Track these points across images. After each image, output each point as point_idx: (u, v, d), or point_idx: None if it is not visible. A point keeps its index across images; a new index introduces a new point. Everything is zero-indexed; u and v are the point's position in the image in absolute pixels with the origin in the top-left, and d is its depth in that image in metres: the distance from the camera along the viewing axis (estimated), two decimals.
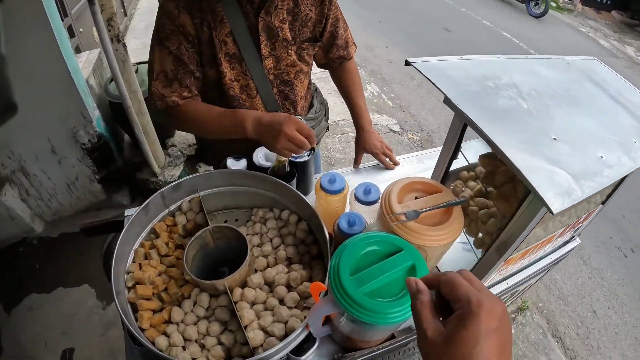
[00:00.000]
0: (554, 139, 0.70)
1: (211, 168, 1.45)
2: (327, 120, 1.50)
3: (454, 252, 1.11)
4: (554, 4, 9.10)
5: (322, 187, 1.01)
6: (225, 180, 1.08)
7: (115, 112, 2.12)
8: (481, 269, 0.90)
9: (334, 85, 1.50)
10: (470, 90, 0.75)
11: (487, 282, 1.03)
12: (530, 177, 0.59)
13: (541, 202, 0.57)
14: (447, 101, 0.71)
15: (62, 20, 1.92)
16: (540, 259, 1.21)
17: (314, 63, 1.37)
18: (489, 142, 0.64)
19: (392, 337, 0.91)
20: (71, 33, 2.78)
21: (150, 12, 6.11)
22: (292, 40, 1.16)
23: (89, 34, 3.04)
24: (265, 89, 1.19)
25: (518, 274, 1.14)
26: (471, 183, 1.06)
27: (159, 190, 1.00)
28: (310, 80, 1.37)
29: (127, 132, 2.35)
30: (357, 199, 1.00)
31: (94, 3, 1.67)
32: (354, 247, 0.69)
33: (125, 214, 1.13)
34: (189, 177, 1.04)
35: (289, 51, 1.17)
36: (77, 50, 2.74)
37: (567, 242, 1.31)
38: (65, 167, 1.77)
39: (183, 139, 2.82)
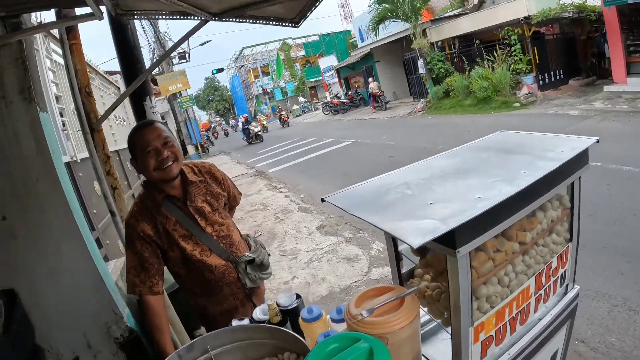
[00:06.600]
0: (430, 203, 0.90)
1: None
2: (265, 249, 1.89)
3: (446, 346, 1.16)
4: (517, 104, 10.03)
5: (303, 319, 1.16)
6: (232, 337, 1.23)
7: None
8: (456, 342, 0.96)
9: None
10: (365, 199, 0.99)
11: (483, 359, 1.05)
12: (396, 232, 0.78)
13: (404, 242, 0.75)
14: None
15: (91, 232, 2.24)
16: (540, 319, 1.22)
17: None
18: (373, 224, 0.85)
19: None
20: (99, 244, 3.21)
21: None
22: (213, 211, 1.66)
23: (114, 245, 3.51)
24: (214, 246, 1.63)
25: (519, 341, 1.14)
26: (426, 276, 1.19)
27: (176, 351, 1.16)
28: (238, 229, 1.82)
29: None
30: (332, 320, 1.16)
31: (115, 214, 2.06)
32: (318, 348, 0.83)
33: None
34: (201, 337, 1.20)
35: (215, 217, 1.65)
36: (106, 259, 3.11)
37: (565, 294, 1.32)
38: None
39: None
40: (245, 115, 20.64)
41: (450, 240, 0.82)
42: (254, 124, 18.99)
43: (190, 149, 17.59)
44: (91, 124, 2.08)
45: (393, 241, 1.15)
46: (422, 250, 1.18)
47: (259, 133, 18.37)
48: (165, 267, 1.65)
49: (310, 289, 3.82)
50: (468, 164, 1.14)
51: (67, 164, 3.24)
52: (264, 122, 20.08)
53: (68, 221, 1.55)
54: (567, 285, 1.33)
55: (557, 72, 10.91)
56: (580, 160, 1.11)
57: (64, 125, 3.64)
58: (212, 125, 31.90)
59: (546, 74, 10.77)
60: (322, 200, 1.04)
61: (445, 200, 0.90)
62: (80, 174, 3.47)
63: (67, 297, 1.60)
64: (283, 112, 23.58)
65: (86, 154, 2.16)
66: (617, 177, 4.37)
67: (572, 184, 1.18)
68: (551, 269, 1.21)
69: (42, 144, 1.46)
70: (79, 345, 1.67)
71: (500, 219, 0.92)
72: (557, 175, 1.03)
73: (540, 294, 1.19)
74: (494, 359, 1.09)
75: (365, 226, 5.07)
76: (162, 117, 17.26)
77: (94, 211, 3.46)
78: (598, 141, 1.12)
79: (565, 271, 1.29)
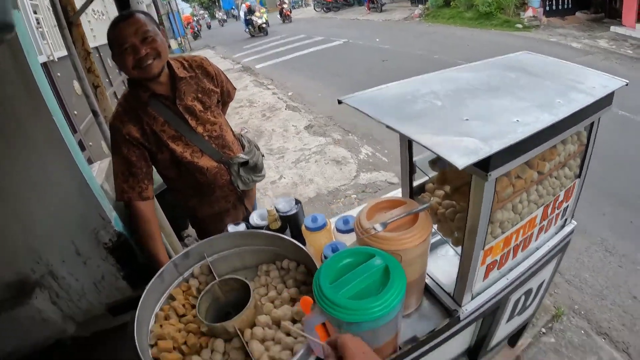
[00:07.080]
0: (466, 119, 0.82)
1: None
2: (259, 150, 1.86)
3: (445, 262, 1.19)
4: (520, 26, 9.55)
5: (307, 228, 1.12)
6: (229, 243, 1.20)
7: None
8: (465, 264, 0.96)
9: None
10: (391, 106, 0.89)
11: (485, 281, 1.08)
12: (436, 148, 0.71)
13: (447, 162, 0.68)
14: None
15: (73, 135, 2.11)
16: (537, 249, 1.25)
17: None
18: (406, 136, 0.78)
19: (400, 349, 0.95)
20: (82, 147, 3.08)
21: None
22: (205, 110, 1.57)
23: (98, 147, 3.38)
24: (206, 147, 1.56)
25: (517, 267, 1.18)
26: (438, 192, 1.16)
27: (171, 259, 1.12)
28: (231, 128, 1.74)
29: None
30: (338, 230, 1.12)
31: (98, 114, 1.92)
32: (331, 262, 0.79)
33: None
34: (196, 244, 1.16)
35: (207, 116, 1.56)
36: (90, 161, 3.01)
37: (562, 227, 1.35)
38: (90, 267, 1.82)
39: None
40: (248, 3, 18.10)
41: (483, 162, 0.75)
42: (257, 14, 16.84)
43: (173, 44, 16.42)
44: (68, 18, 1.85)
45: (409, 151, 1.07)
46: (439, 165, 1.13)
47: (263, 26, 16.55)
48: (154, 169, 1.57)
49: (298, 190, 3.83)
50: (496, 82, 1.04)
51: (44, 64, 2.96)
52: (265, 16, 17.35)
53: (47, 125, 1.42)
54: (565, 220, 1.35)
55: (566, 0, 10.32)
56: (608, 99, 1.06)
57: (38, 22, 3.24)
58: (196, 18, 29.14)
59: (554, 1, 10.18)
60: (339, 102, 0.92)
61: (482, 119, 0.82)
62: (59, 74, 3.19)
63: (52, 205, 1.53)
64: (285, 5, 20.06)
65: (64, 53, 1.95)
66: (612, 120, 4.31)
67: (593, 122, 1.12)
68: (557, 202, 1.20)
69: (14, 44, 1.28)
70: (67, 254, 1.66)
71: (532, 147, 0.86)
72: (588, 111, 0.96)
73: (544, 225, 1.19)
74: (493, 282, 1.11)
75: (354, 129, 5.03)
76: (146, 8, 15.80)
77: (75, 112, 3.25)
78: (627, 84, 1.06)
79: (568, 206, 1.29)
